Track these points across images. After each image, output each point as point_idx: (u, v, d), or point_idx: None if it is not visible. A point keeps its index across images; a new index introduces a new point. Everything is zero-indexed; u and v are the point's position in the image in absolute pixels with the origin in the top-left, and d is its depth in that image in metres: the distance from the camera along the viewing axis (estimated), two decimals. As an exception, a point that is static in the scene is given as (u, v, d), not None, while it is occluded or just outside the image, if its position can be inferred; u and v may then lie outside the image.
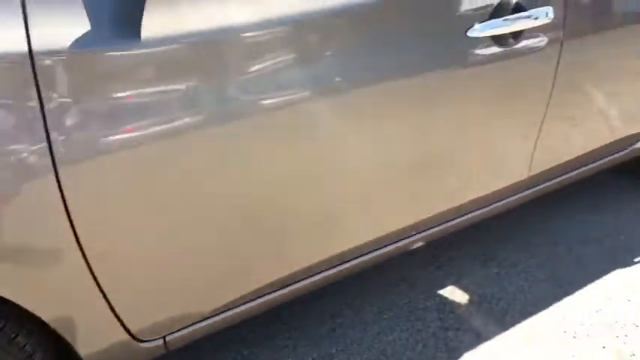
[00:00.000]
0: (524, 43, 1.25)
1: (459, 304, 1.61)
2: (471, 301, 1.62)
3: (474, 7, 1.16)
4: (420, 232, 1.47)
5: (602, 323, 1.54)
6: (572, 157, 1.63)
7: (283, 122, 1.00)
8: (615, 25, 1.47)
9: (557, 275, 1.71)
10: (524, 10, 1.20)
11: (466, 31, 1.14)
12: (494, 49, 1.20)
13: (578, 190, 1.91)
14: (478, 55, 1.19)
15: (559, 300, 1.62)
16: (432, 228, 1.48)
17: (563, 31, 1.31)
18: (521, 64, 1.28)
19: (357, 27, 1.04)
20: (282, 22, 0.94)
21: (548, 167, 1.58)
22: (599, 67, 1.50)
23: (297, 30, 0.96)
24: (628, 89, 1.67)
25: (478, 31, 1.15)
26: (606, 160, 1.82)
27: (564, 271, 1.73)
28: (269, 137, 1.00)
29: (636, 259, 1.79)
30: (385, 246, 1.40)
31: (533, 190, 1.61)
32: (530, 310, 1.58)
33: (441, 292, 1.65)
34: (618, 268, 1.75)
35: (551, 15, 1.24)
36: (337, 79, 1.03)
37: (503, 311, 1.58)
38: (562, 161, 1.60)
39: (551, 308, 1.60)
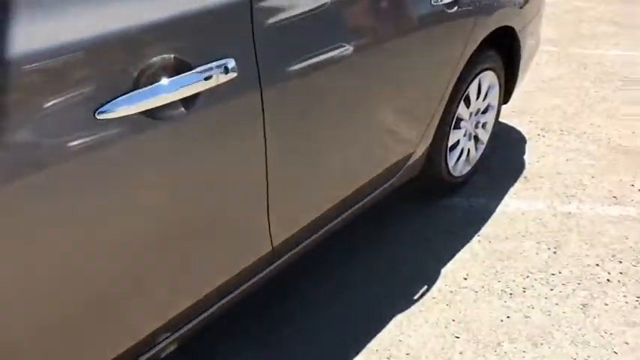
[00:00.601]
0: (203, 109, 0.95)
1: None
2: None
3: (107, 78, 0.83)
4: (174, 332, 1.18)
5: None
6: (324, 209, 1.42)
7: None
8: (336, 60, 1.25)
9: (330, 336, 1.51)
10: (191, 68, 0.91)
11: (95, 112, 0.81)
12: (154, 126, 0.89)
13: (352, 223, 1.74)
14: (126, 138, 0.86)
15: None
16: (183, 326, 1.19)
17: (261, 82, 1.05)
18: (209, 134, 0.99)
19: None
20: None
21: (294, 230, 1.34)
22: (327, 106, 1.28)
23: None
24: (375, 119, 1.50)
25: (114, 109, 0.82)
26: (375, 194, 1.67)
27: (340, 328, 1.54)
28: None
29: (416, 296, 1.67)
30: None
31: (287, 256, 1.37)
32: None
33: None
34: (397, 313, 1.61)
35: (234, 68, 0.97)
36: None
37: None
38: (311, 218, 1.38)
39: (328, 386, 1.39)
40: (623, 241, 1.90)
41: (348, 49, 1.28)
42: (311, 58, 1.18)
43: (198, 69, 0.91)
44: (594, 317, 1.59)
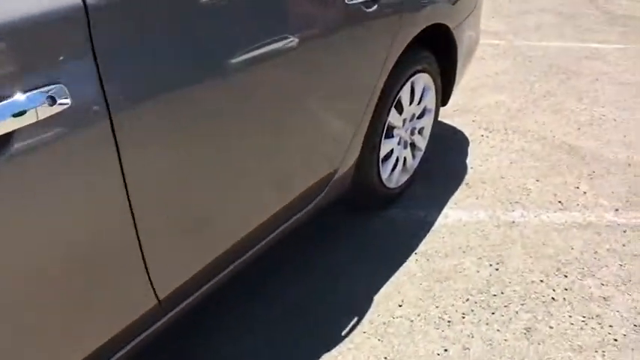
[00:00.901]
0: (19, 153, 0.72)
1: None
2: None
3: None
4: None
5: None
6: (221, 250, 1.20)
7: None
8: (224, 70, 1.04)
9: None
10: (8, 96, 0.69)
11: None
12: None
13: (278, 244, 1.55)
14: None
15: None
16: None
17: (110, 109, 0.82)
18: (32, 183, 0.76)
19: None
20: None
21: (185, 278, 1.13)
22: (215, 126, 1.06)
23: None
24: (283, 136, 1.28)
25: None
26: (293, 220, 1.46)
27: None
28: None
29: (344, 331, 1.49)
30: None
31: (180, 307, 1.16)
32: None
33: None
34: (323, 352, 1.43)
35: (65, 95, 0.75)
36: None
37: None
38: (205, 262, 1.16)
39: None
40: (568, 251, 1.78)
41: (239, 56, 1.06)
42: (185, 70, 0.96)
43: (4, 102, 0.69)
44: (538, 344, 1.45)
